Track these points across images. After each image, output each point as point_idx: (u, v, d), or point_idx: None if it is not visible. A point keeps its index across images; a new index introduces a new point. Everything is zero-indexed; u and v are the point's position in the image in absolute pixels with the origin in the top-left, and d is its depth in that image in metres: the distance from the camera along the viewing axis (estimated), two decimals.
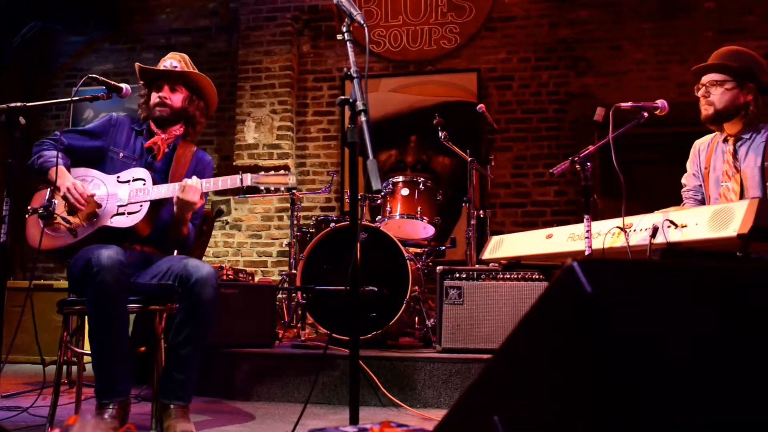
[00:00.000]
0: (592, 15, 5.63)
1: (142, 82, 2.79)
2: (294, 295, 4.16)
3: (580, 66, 5.60)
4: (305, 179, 5.99)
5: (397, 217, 4.09)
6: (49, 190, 2.55)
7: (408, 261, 3.69)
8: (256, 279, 5.27)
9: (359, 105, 1.86)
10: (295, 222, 4.72)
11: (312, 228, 4.44)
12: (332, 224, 3.92)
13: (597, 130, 4.87)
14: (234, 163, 5.92)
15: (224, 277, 4.09)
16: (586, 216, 2.53)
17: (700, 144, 2.93)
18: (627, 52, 5.55)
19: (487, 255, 3.25)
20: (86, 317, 2.36)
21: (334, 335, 3.48)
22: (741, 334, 0.91)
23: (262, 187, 2.50)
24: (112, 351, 2.28)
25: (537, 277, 3.23)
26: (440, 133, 4.23)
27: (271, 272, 5.85)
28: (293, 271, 4.38)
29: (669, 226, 2.24)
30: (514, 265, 3.20)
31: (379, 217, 4.20)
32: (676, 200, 2.96)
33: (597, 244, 2.50)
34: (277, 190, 2.51)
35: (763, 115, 2.72)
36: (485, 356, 3.13)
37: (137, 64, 2.79)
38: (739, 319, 0.91)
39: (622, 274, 0.86)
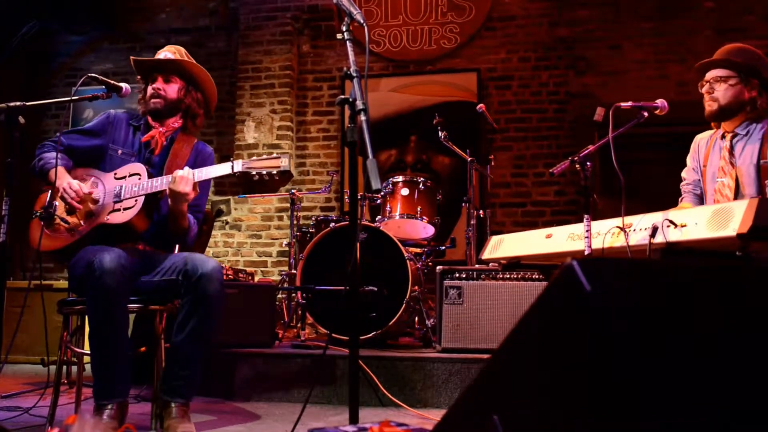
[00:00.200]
0: (592, 14, 5.63)
1: (138, 76, 2.77)
2: (294, 295, 4.15)
3: (580, 65, 5.61)
4: (305, 179, 5.99)
5: (397, 217, 4.09)
6: (50, 192, 2.56)
7: (408, 261, 3.69)
8: (256, 279, 5.27)
9: (359, 104, 1.86)
10: (295, 222, 4.71)
11: (312, 228, 4.44)
12: (332, 224, 3.92)
13: (597, 129, 4.86)
14: None
15: (224, 277, 4.09)
16: (585, 216, 2.53)
17: (701, 139, 2.93)
18: (627, 51, 5.55)
19: (486, 255, 3.25)
20: (86, 318, 2.36)
21: (333, 335, 3.48)
22: (740, 333, 0.91)
23: (254, 173, 2.43)
24: (112, 353, 2.28)
25: (537, 276, 3.23)
26: (440, 133, 4.23)
27: (271, 272, 5.85)
28: (293, 271, 4.38)
29: (668, 226, 2.25)
30: (514, 264, 3.20)
31: (379, 216, 4.20)
32: (677, 199, 2.96)
33: (597, 244, 2.50)
34: (270, 175, 2.43)
35: (765, 111, 2.73)
36: (485, 356, 3.13)
37: (132, 57, 2.76)
38: (739, 318, 0.91)
39: (622, 273, 0.86)
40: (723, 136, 2.78)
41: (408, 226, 4.21)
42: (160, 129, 2.70)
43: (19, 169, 2.36)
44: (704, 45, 5.22)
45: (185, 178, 2.45)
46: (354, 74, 1.92)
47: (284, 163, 2.44)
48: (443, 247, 4.50)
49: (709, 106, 2.75)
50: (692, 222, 2.19)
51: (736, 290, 0.93)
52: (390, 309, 3.62)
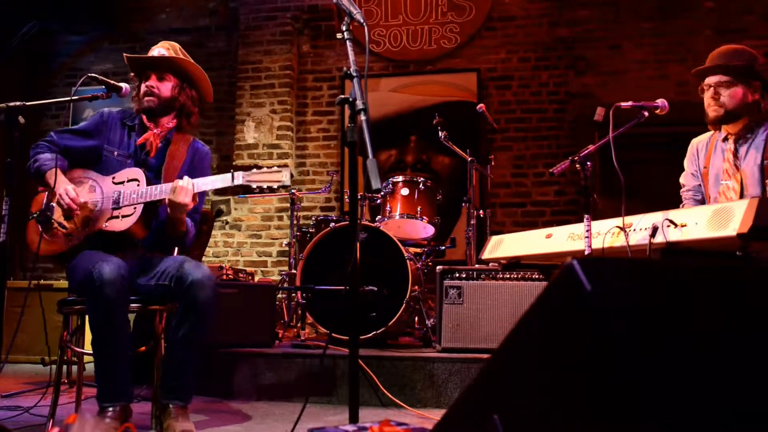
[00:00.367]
0: (592, 14, 5.63)
1: (132, 74, 2.72)
2: (294, 294, 4.15)
3: (580, 65, 5.61)
4: (305, 179, 5.99)
5: (397, 217, 4.09)
6: (47, 194, 2.54)
7: (408, 261, 3.69)
8: (256, 279, 5.27)
9: (359, 104, 1.86)
10: (295, 222, 4.71)
11: (312, 228, 4.44)
12: (332, 224, 3.92)
13: (597, 129, 4.86)
14: (234, 163, 5.91)
15: (224, 277, 4.09)
16: (585, 216, 2.53)
17: (698, 143, 2.92)
18: (627, 51, 5.55)
19: (486, 255, 3.25)
20: (86, 318, 2.36)
21: (333, 335, 3.48)
22: (740, 333, 0.91)
23: (254, 186, 2.43)
24: (114, 358, 2.28)
25: (537, 276, 3.23)
26: (440, 133, 4.23)
27: (271, 272, 5.85)
28: (293, 271, 4.38)
29: (669, 226, 2.24)
30: (514, 264, 3.20)
31: (379, 216, 4.20)
32: (676, 199, 2.96)
33: (597, 244, 2.50)
34: (271, 189, 2.43)
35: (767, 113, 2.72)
36: (485, 356, 3.13)
37: (125, 55, 2.71)
38: (739, 318, 0.91)
39: (622, 272, 0.86)
40: (725, 139, 2.77)
41: (408, 226, 4.21)
42: (155, 130, 2.66)
43: (19, 169, 2.36)
44: (704, 45, 5.22)
45: (185, 189, 2.43)
46: (354, 74, 1.92)
47: (285, 177, 2.44)
48: (443, 247, 4.50)
49: (716, 111, 2.71)
50: (692, 222, 2.19)
51: (736, 290, 0.93)
52: (390, 309, 3.62)
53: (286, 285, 4.53)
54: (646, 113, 2.70)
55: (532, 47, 5.70)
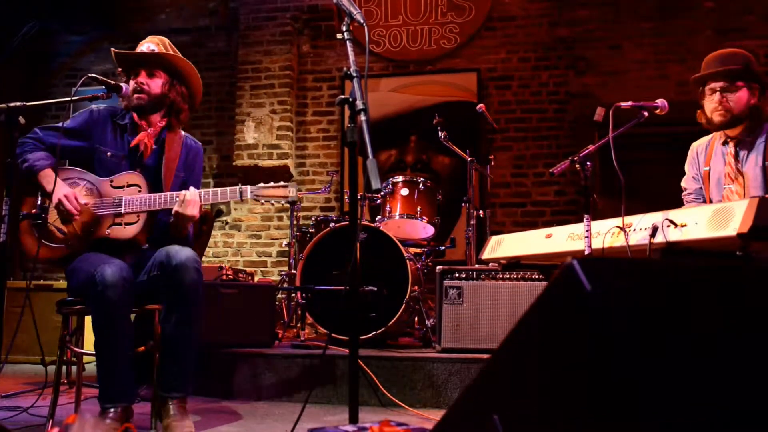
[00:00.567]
0: (592, 14, 5.63)
1: (120, 69, 2.65)
2: (293, 295, 4.15)
3: (580, 65, 5.60)
4: (305, 179, 5.99)
5: (397, 217, 4.09)
6: (39, 195, 2.48)
7: (408, 261, 3.69)
8: (256, 279, 5.27)
9: (359, 104, 1.86)
10: (295, 222, 4.72)
11: (312, 228, 4.44)
12: (332, 224, 3.92)
13: (597, 129, 4.86)
14: (234, 163, 5.92)
15: (224, 277, 4.09)
16: (585, 216, 2.53)
17: (698, 146, 2.92)
18: (627, 51, 5.55)
19: (486, 255, 3.25)
20: (86, 318, 2.36)
21: (333, 335, 3.47)
22: (740, 333, 0.91)
23: (262, 200, 2.47)
24: (116, 360, 2.27)
25: (537, 276, 3.23)
26: (440, 133, 4.23)
27: (271, 272, 5.85)
28: (293, 271, 4.38)
29: (669, 226, 2.25)
30: (514, 264, 3.20)
31: (379, 217, 4.20)
32: (676, 199, 2.96)
33: (597, 244, 2.51)
34: (277, 203, 2.49)
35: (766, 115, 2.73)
36: (485, 356, 3.13)
37: (113, 50, 2.64)
38: (739, 319, 0.91)
39: (622, 272, 0.86)
40: (725, 143, 2.77)
41: (408, 226, 4.21)
42: (149, 130, 2.61)
43: (19, 170, 2.36)
44: (704, 45, 5.22)
45: (194, 202, 2.43)
46: (354, 74, 1.92)
47: (292, 193, 2.47)
48: (443, 247, 4.50)
49: (722, 116, 2.70)
50: (692, 222, 2.19)
51: (736, 290, 0.93)
52: (390, 309, 3.62)
53: (285, 285, 4.53)
54: (646, 113, 2.70)
55: (532, 47, 5.70)
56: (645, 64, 5.50)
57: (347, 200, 5.29)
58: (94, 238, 2.48)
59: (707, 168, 2.82)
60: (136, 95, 2.57)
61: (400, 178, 4.22)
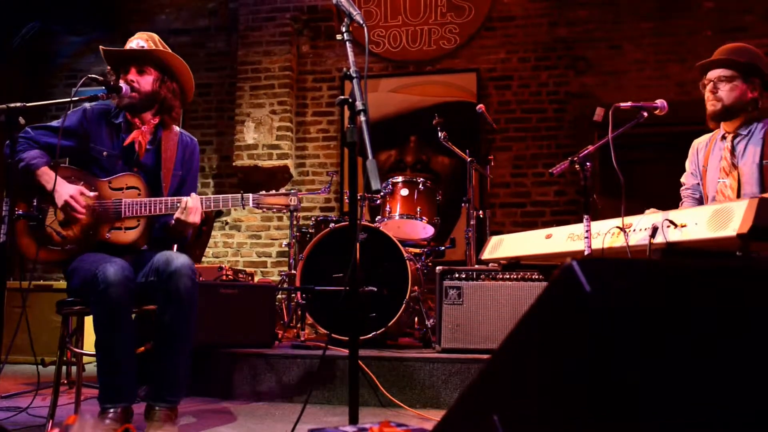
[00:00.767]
0: (592, 14, 5.63)
1: (109, 68, 2.61)
2: (293, 295, 4.15)
3: (580, 65, 5.61)
4: (305, 179, 5.99)
5: (397, 218, 4.09)
6: (36, 197, 2.46)
7: (407, 261, 3.69)
8: (256, 279, 5.27)
9: (359, 105, 1.86)
10: (295, 222, 4.71)
11: (311, 228, 4.44)
12: (332, 224, 3.92)
13: (596, 129, 4.87)
14: (233, 164, 5.92)
15: (224, 277, 4.09)
16: (585, 216, 2.53)
17: (699, 143, 2.93)
18: (626, 51, 5.55)
19: (486, 255, 3.26)
20: (86, 319, 2.35)
21: (333, 335, 3.47)
22: (740, 333, 0.91)
23: (264, 209, 2.50)
24: (117, 362, 2.26)
25: (536, 277, 3.23)
26: (440, 133, 4.23)
27: (271, 272, 5.85)
28: (293, 272, 4.38)
29: (668, 226, 2.25)
30: (514, 265, 3.20)
31: (379, 217, 4.20)
32: (676, 199, 2.97)
33: (596, 244, 2.51)
34: (278, 210, 2.52)
35: (765, 111, 2.73)
36: (485, 356, 3.13)
37: (101, 48, 2.59)
38: (739, 319, 0.91)
39: (622, 273, 0.86)
40: (723, 137, 2.77)
41: (408, 226, 4.21)
42: (142, 128, 2.59)
43: (16, 169, 2.35)
44: (704, 45, 5.23)
45: (196, 209, 2.42)
46: (353, 75, 1.92)
47: (293, 201, 2.50)
48: (443, 248, 4.50)
49: (713, 105, 2.73)
50: (692, 222, 2.19)
51: (735, 290, 0.93)
52: (390, 309, 3.62)
53: (285, 285, 4.53)
54: (646, 113, 2.70)
55: (531, 47, 5.70)
56: (645, 64, 5.51)
57: (347, 200, 5.29)
58: (94, 241, 2.47)
59: (705, 165, 2.83)
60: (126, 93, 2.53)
61: (399, 179, 4.23)
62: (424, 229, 4.24)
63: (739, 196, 2.64)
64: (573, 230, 2.72)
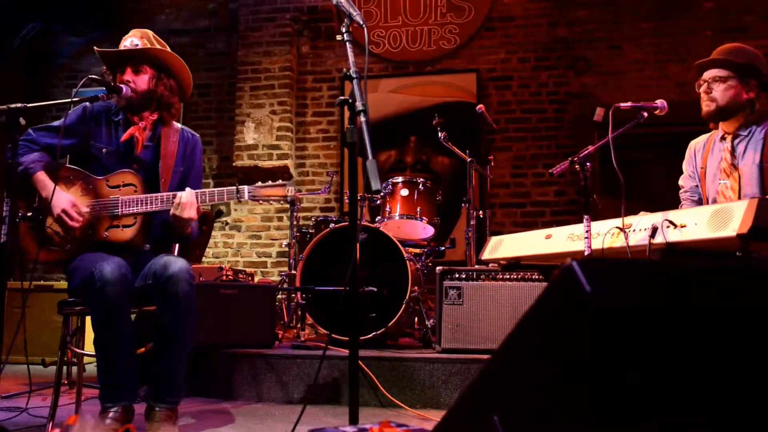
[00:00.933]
0: (592, 15, 5.63)
1: (105, 67, 2.61)
2: (293, 295, 4.16)
3: (580, 66, 5.61)
4: (305, 180, 6.00)
5: (397, 218, 4.09)
6: (37, 198, 2.47)
7: (407, 261, 3.69)
8: (256, 279, 5.27)
9: (359, 105, 1.86)
10: (295, 223, 4.72)
11: (311, 228, 4.44)
12: (332, 225, 3.92)
13: (596, 129, 4.87)
14: (234, 164, 5.92)
15: (224, 277, 4.09)
16: (585, 216, 2.53)
17: (696, 144, 2.92)
18: (626, 51, 5.55)
19: (486, 255, 3.26)
20: (87, 319, 2.35)
21: (333, 335, 3.48)
22: (740, 333, 0.91)
23: (260, 201, 2.44)
24: (116, 359, 2.27)
25: (536, 277, 3.23)
26: (440, 134, 4.23)
27: (271, 273, 5.85)
28: (293, 272, 4.38)
29: (668, 227, 2.25)
30: (514, 265, 3.20)
31: (379, 217, 4.20)
32: (676, 200, 2.96)
33: (596, 245, 2.51)
34: (276, 202, 2.46)
35: (765, 111, 2.72)
36: (485, 356, 3.13)
37: (96, 48, 2.60)
38: (739, 319, 0.91)
39: (622, 273, 0.86)
40: (723, 138, 2.77)
41: (408, 226, 4.21)
42: (140, 124, 2.58)
43: (16, 173, 2.35)
44: (704, 45, 5.22)
45: (190, 204, 2.41)
46: (353, 75, 1.92)
47: (290, 192, 2.44)
48: (443, 248, 4.50)
49: (707, 105, 2.73)
50: (692, 222, 2.19)
51: (736, 290, 0.93)
52: (390, 309, 3.62)
53: (285, 286, 4.53)
54: (646, 114, 2.70)
55: (531, 47, 5.70)
56: (645, 64, 5.51)
57: (347, 201, 5.29)
58: (93, 240, 2.47)
59: (704, 167, 2.82)
60: (123, 93, 2.52)
61: (399, 179, 4.23)
62: (424, 230, 4.24)
63: (739, 197, 2.63)
64: (573, 230, 2.72)
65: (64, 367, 2.88)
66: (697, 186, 2.86)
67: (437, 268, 3.38)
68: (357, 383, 1.82)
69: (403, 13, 5.93)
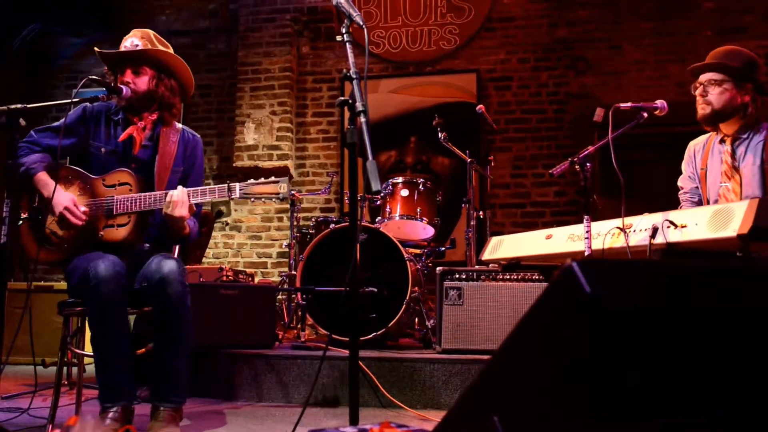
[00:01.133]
0: (592, 15, 5.63)
1: (106, 68, 2.61)
2: (294, 296, 4.16)
3: (580, 66, 5.61)
4: (305, 180, 6.00)
5: (397, 218, 4.09)
6: (37, 198, 2.48)
7: (408, 262, 3.69)
8: (256, 280, 5.27)
9: (359, 106, 1.86)
10: (295, 223, 4.72)
11: (312, 229, 4.44)
12: (332, 225, 3.92)
13: (596, 130, 4.87)
14: (234, 164, 5.92)
15: (224, 278, 4.09)
16: (585, 216, 2.53)
17: (695, 145, 2.92)
18: (626, 51, 5.55)
19: (486, 256, 3.25)
20: (87, 318, 2.35)
21: (333, 336, 3.47)
22: (740, 334, 0.91)
23: (252, 198, 2.41)
24: (114, 359, 2.27)
25: (537, 277, 3.23)
26: (440, 134, 4.23)
27: (271, 273, 5.85)
28: (293, 272, 4.38)
29: (669, 227, 2.25)
30: (514, 265, 3.20)
31: (379, 218, 4.20)
32: (676, 200, 2.96)
33: (597, 245, 2.51)
34: (269, 200, 2.42)
35: (763, 115, 2.72)
36: (485, 357, 3.13)
37: (96, 50, 2.61)
38: (739, 319, 0.91)
39: (622, 274, 0.86)
40: (722, 140, 2.77)
41: (408, 227, 4.21)
42: (139, 124, 2.59)
43: (17, 174, 2.35)
44: (704, 45, 5.22)
45: (181, 202, 2.39)
46: (353, 76, 1.92)
47: (283, 189, 2.39)
48: (443, 248, 4.50)
49: (702, 109, 2.73)
50: (692, 223, 2.19)
51: (736, 290, 0.93)
52: (390, 310, 3.62)
53: (286, 286, 4.53)
54: (646, 114, 2.70)
55: (531, 48, 5.70)
56: (645, 64, 5.51)
57: (347, 201, 5.29)
58: (90, 240, 2.47)
59: (704, 168, 2.82)
60: (123, 94, 2.53)
61: (399, 179, 4.23)
62: (424, 230, 4.24)
63: (741, 199, 2.63)
64: (573, 231, 2.72)
65: (65, 368, 2.88)
66: (697, 187, 2.86)
67: (437, 268, 3.38)
68: (357, 384, 1.82)
69: (403, 13, 5.94)
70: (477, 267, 3.50)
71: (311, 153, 6.03)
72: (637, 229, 2.41)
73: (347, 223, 3.80)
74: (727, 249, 2.12)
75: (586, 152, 2.64)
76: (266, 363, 3.34)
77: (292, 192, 4.69)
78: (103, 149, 2.57)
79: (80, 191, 2.51)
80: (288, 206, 5.63)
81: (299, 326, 3.88)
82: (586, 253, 2.49)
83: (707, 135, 2.87)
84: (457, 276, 3.32)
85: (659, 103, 2.68)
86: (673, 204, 2.89)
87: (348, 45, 1.98)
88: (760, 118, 2.69)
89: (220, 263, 5.86)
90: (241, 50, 6.05)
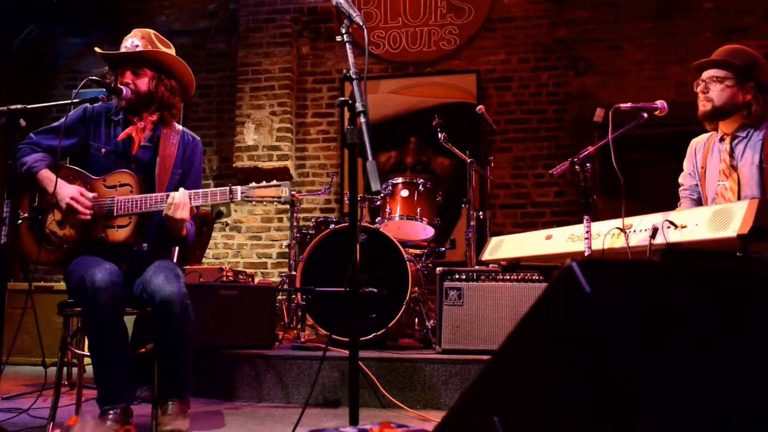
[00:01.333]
0: (592, 15, 5.63)
1: (106, 69, 2.61)
2: (294, 296, 4.16)
3: (580, 66, 5.61)
4: (305, 180, 6.00)
5: (397, 219, 4.09)
6: (38, 197, 2.47)
7: (408, 262, 3.69)
8: (256, 280, 5.27)
9: (359, 106, 1.86)
10: (295, 223, 4.72)
11: (312, 229, 4.44)
12: (332, 226, 3.92)
13: (596, 130, 4.87)
14: (234, 165, 5.92)
15: (224, 278, 4.09)
16: (585, 217, 2.53)
17: (697, 143, 2.92)
18: (626, 52, 5.55)
19: (486, 256, 3.25)
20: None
21: (333, 336, 3.48)
22: (740, 334, 0.91)
23: (253, 201, 2.41)
24: (111, 364, 2.28)
25: (537, 278, 3.23)
26: (440, 135, 4.23)
27: (271, 274, 5.85)
28: (293, 273, 4.38)
29: (669, 227, 2.25)
30: (514, 266, 3.19)
31: (379, 218, 4.20)
32: (676, 200, 2.96)
33: (597, 245, 2.50)
34: (270, 203, 2.42)
35: (765, 114, 2.72)
36: (485, 357, 3.13)
37: (97, 50, 2.60)
38: (739, 319, 0.91)
39: (622, 274, 0.86)
40: (722, 139, 2.77)
41: (408, 227, 4.21)
42: (139, 124, 2.58)
43: (18, 174, 2.35)
44: (704, 45, 5.23)
45: (183, 205, 2.39)
46: (353, 76, 1.92)
47: (284, 193, 2.39)
48: (443, 249, 4.50)
49: (703, 105, 2.73)
50: (692, 223, 2.19)
51: (736, 291, 0.93)
52: (390, 310, 3.62)
53: (286, 286, 4.53)
54: (646, 114, 2.69)
55: (531, 48, 5.70)
56: (645, 64, 5.51)
57: (347, 202, 5.29)
58: (89, 240, 2.47)
59: (704, 167, 2.82)
60: (123, 95, 2.53)
61: (399, 180, 4.23)
62: (424, 230, 4.25)
63: (739, 198, 2.63)
64: (573, 231, 2.71)
65: (65, 368, 2.88)
66: (696, 185, 2.86)
67: (437, 268, 3.38)
68: (357, 384, 1.82)
69: (403, 14, 5.94)
70: (477, 267, 3.50)
71: (311, 153, 6.03)
72: (637, 230, 2.41)
73: (347, 224, 3.80)
74: (727, 249, 2.12)
75: (586, 152, 2.64)
76: (266, 363, 3.34)
77: (292, 192, 4.70)
78: (103, 150, 2.57)
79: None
80: (288, 207, 5.63)
81: (299, 326, 3.88)
82: (586, 254, 2.49)
83: (709, 133, 2.88)
84: (457, 276, 3.32)
85: (659, 103, 2.68)
86: (674, 204, 2.89)
87: (348, 45, 1.98)
88: (764, 117, 2.69)
89: (220, 263, 5.87)
90: (241, 50, 6.05)
